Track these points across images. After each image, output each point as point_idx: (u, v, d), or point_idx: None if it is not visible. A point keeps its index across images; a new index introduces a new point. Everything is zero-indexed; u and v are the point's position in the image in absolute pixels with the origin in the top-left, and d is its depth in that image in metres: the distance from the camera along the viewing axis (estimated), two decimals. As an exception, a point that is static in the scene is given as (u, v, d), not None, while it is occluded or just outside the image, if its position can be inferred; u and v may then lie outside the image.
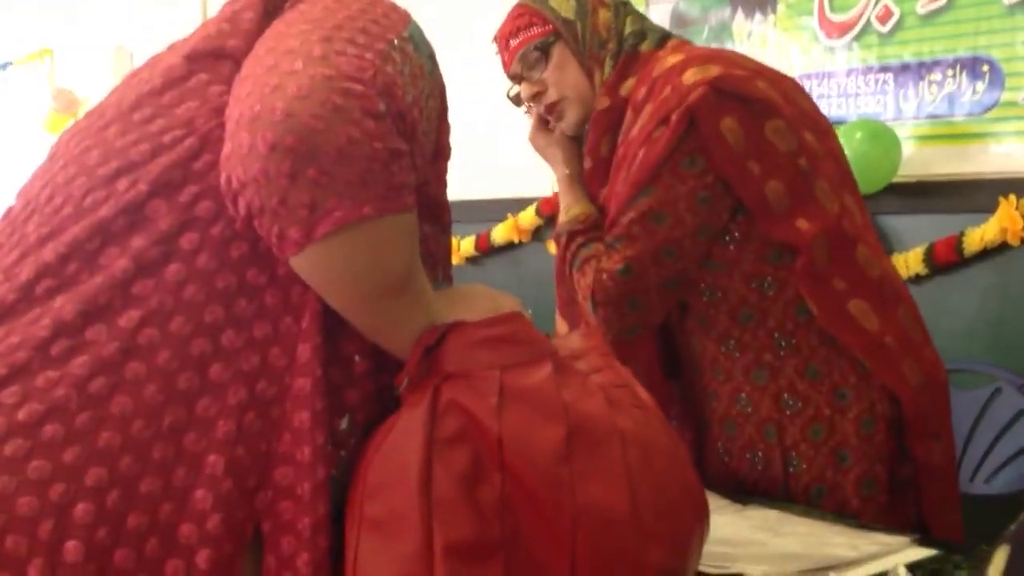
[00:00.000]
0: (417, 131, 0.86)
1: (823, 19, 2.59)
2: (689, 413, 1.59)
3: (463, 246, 3.38)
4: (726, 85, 1.42)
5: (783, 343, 1.47)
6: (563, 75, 1.59)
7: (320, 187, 0.77)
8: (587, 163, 1.60)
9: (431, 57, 0.94)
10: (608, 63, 1.57)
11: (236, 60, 0.89)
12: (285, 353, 0.85)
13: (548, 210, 3.16)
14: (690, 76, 1.43)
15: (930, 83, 2.42)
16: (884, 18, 2.48)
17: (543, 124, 1.69)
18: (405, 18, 0.92)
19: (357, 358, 0.88)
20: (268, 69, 0.81)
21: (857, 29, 2.53)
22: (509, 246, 3.30)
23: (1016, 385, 2.11)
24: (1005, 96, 2.30)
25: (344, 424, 0.87)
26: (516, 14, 1.63)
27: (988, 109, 2.33)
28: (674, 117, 1.41)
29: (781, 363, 1.47)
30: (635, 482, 0.87)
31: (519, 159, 3.31)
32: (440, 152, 0.99)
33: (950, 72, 2.39)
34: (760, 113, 1.43)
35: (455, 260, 3.38)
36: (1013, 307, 2.23)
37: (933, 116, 2.42)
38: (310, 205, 0.78)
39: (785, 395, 1.47)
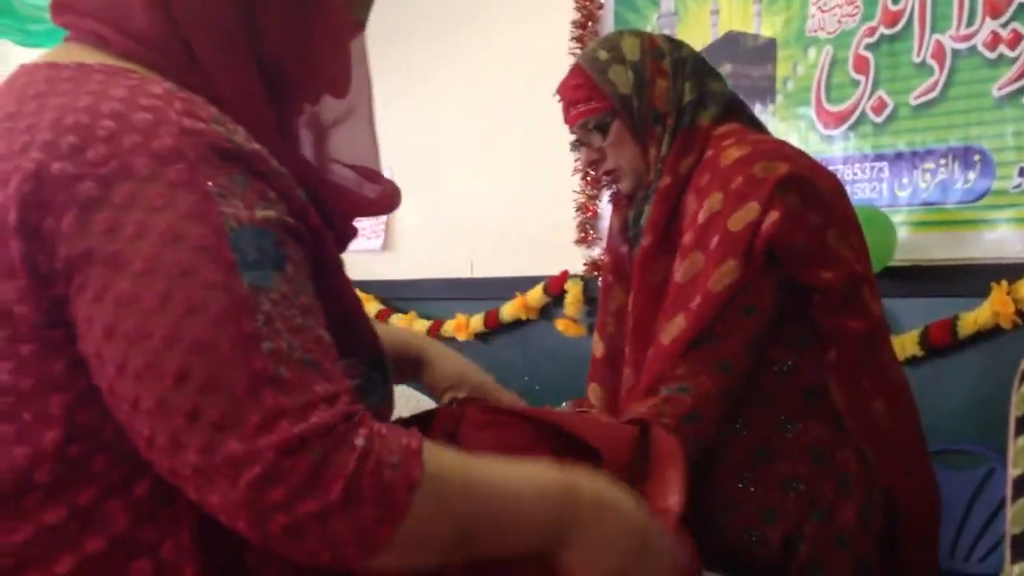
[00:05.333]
0: None
1: (820, 109, 2.69)
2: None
3: (472, 323, 3.45)
4: (795, 184, 1.46)
5: (789, 427, 1.50)
6: (619, 150, 1.61)
7: None
8: (647, 239, 1.60)
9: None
10: (666, 139, 1.58)
11: (28, 326, 0.79)
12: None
13: (555, 289, 3.23)
14: (760, 171, 1.47)
15: (923, 171, 2.51)
16: (878, 109, 2.58)
17: None
18: (223, 245, 0.77)
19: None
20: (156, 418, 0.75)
21: (853, 119, 2.63)
22: (517, 323, 3.37)
23: (1010, 466, 2.15)
24: (996, 184, 2.38)
25: None
26: (575, 84, 1.63)
27: (980, 197, 2.41)
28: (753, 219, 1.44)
29: (787, 445, 1.50)
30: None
31: (528, 239, 3.41)
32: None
33: (943, 161, 2.47)
34: (826, 219, 1.49)
35: (465, 336, 3.45)
36: (1006, 389, 2.27)
37: (927, 203, 2.50)
38: None
39: (789, 478, 1.50)
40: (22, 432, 0.79)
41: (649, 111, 1.58)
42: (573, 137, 1.68)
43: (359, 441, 0.74)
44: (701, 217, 1.50)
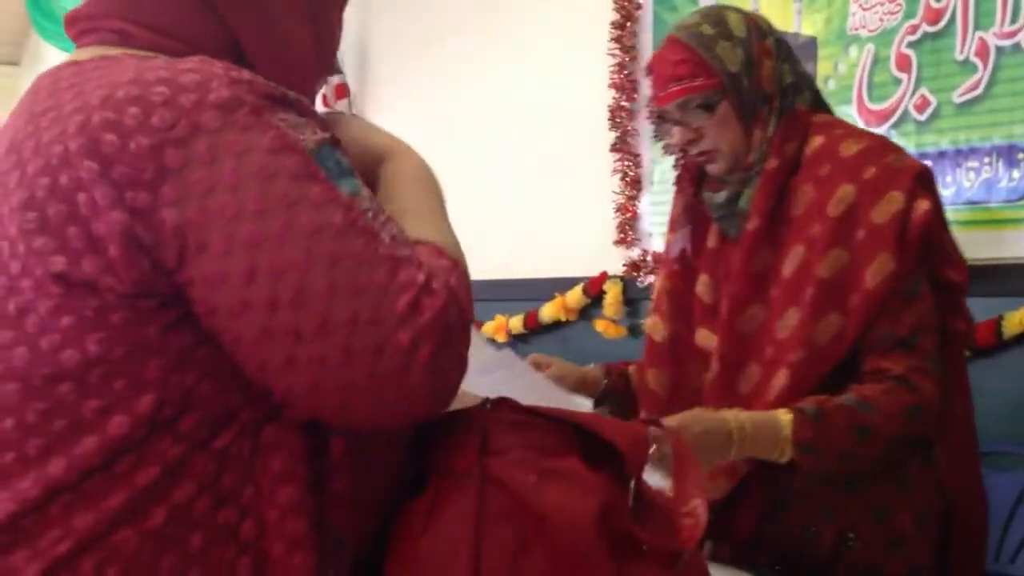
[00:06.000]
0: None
1: (862, 108, 2.67)
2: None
3: (512, 324, 3.46)
4: (928, 179, 1.50)
5: None
6: (724, 131, 1.54)
7: None
8: (753, 222, 1.54)
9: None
10: (772, 121, 1.54)
11: (116, 297, 0.81)
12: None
13: (594, 290, 3.23)
14: (895, 161, 1.49)
15: (967, 170, 2.48)
16: (921, 107, 2.56)
17: None
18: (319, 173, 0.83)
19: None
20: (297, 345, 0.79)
21: (895, 117, 2.60)
22: (556, 324, 3.38)
23: (1057, 468, 2.13)
24: (1041, 183, 2.35)
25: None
26: (680, 58, 1.53)
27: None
28: (910, 232, 1.44)
29: None
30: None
31: (567, 240, 3.41)
32: None
33: (986, 159, 2.44)
34: (942, 220, 1.52)
35: (504, 337, 3.46)
36: (1052, 390, 2.25)
37: (971, 202, 2.47)
38: None
39: (852, 475, 1.49)
40: (114, 403, 0.81)
41: (757, 91, 1.53)
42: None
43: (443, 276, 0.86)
44: (833, 210, 1.47)
